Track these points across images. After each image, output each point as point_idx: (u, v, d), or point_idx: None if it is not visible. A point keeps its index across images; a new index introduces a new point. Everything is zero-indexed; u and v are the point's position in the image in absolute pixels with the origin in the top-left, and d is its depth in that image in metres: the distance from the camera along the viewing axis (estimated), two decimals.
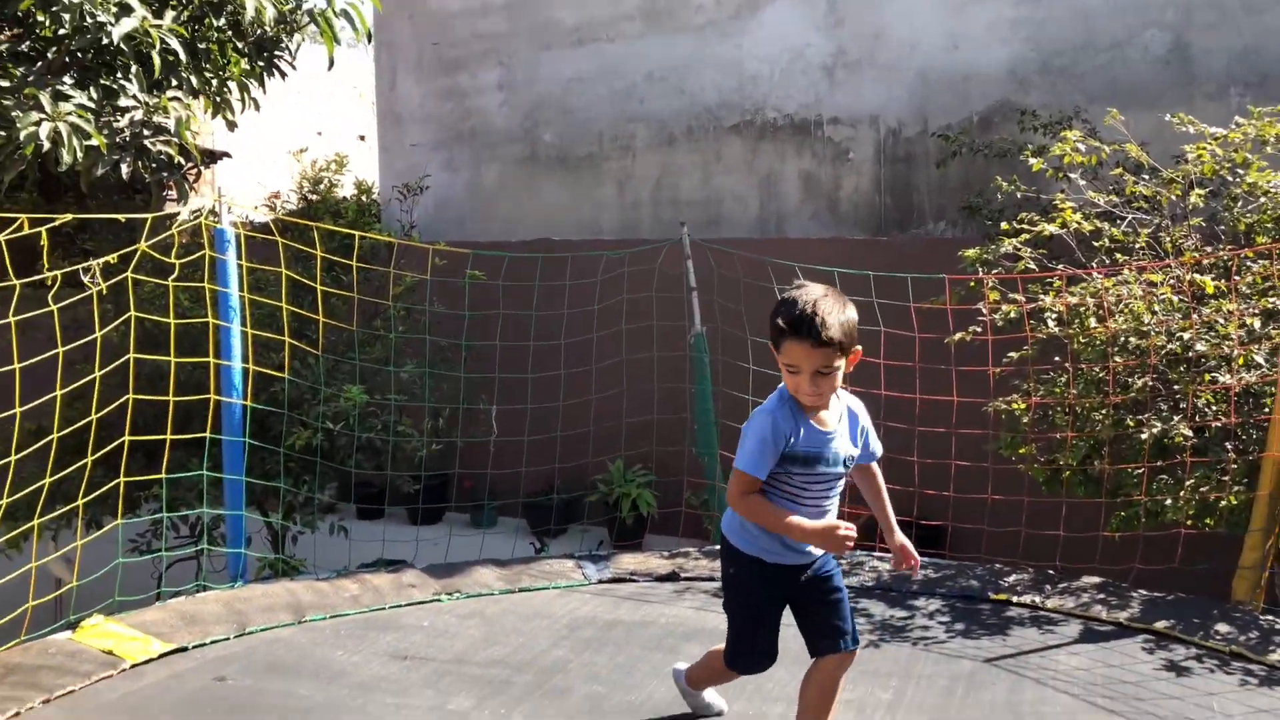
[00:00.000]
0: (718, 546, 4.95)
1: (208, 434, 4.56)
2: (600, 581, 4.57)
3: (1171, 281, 4.80)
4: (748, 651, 2.92)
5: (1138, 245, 5.21)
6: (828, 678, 2.88)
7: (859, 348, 2.68)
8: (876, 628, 4.09)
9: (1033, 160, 5.74)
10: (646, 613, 4.23)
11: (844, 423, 2.78)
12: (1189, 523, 4.56)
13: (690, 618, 4.18)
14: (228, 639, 3.90)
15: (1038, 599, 4.37)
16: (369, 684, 3.53)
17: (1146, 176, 5.42)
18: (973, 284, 5.18)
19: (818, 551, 2.84)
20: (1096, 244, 5.26)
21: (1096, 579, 4.59)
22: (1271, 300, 4.64)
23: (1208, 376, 4.62)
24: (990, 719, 3.28)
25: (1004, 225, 5.35)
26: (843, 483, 2.83)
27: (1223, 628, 4.01)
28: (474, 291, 6.11)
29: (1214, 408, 4.64)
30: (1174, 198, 5.28)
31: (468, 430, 6.53)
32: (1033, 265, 5.15)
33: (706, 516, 5.60)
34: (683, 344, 5.60)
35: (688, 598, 4.42)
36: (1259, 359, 4.50)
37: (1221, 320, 4.63)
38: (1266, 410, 4.43)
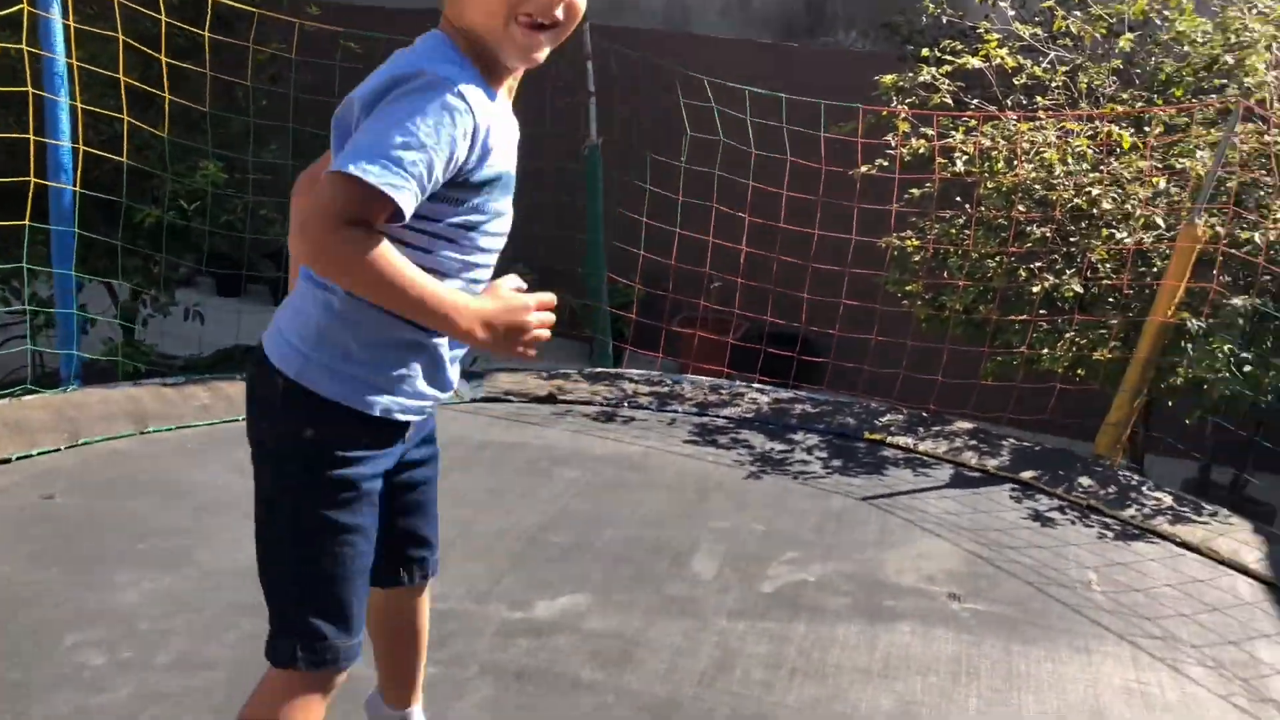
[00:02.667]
0: (598, 370, 4.86)
1: (27, 222, 3.98)
2: (474, 400, 4.38)
3: (1088, 132, 4.67)
4: (337, 627, 1.55)
5: (1054, 85, 5.04)
6: (418, 618, 1.92)
7: None
8: (755, 459, 4.06)
9: None
10: (521, 434, 4.07)
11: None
12: (1062, 372, 4.61)
13: (566, 441, 4.05)
14: (58, 450, 3.57)
15: (911, 441, 4.40)
16: (216, 505, 3.29)
17: (1078, 13, 5.20)
18: (885, 114, 4.95)
19: (454, 381, 1.60)
20: (1016, 81, 5.06)
21: (969, 425, 4.65)
22: (1179, 159, 4.57)
23: (1106, 233, 4.58)
24: (857, 553, 3.29)
25: (924, 52, 5.08)
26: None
27: (1084, 481, 4.12)
28: (349, 71, 5.53)
29: (1106, 265, 4.62)
30: (1098, 36, 5.09)
31: None
32: (949, 100, 4.94)
33: (596, 317, 5.36)
34: (576, 155, 5.23)
35: (566, 421, 4.28)
36: (1158, 220, 4.47)
37: (1129, 177, 4.55)
38: (1156, 272, 4.44)
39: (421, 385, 1.51)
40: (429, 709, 2.32)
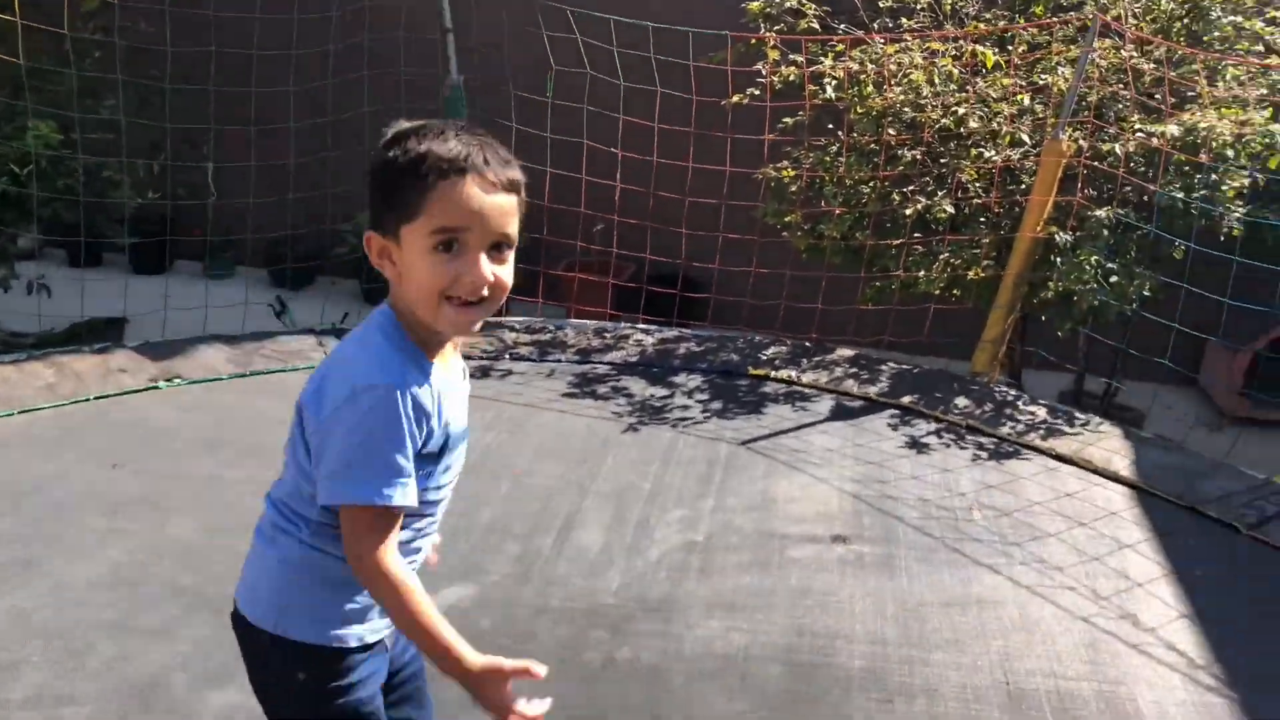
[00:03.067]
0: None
1: None
2: None
3: (953, 52, 4.65)
4: None
5: (919, 6, 4.99)
6: None
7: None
8: (636, 409, 4.00)
9: None
10: None
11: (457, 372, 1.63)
12: (938, 293, 4.65)
13: None
14: None
15: (794, 373, 4.40)
16: (70, 502, 3.05)
17: None
18: (754, 41, 4.84)
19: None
20: (882, 4, 5.00)
21: (850, 351, 4.68)
22: (1041, 75, 4.59)
23: (974, 152, 4.59)
24: (743, 500, 3.28)
25: None
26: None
27: (962, 401, 4.19)
28: (186, 23, 5.16)
29: (976, 184, 4.65)
30: None
31: (190, 179, 5.75)
32: (816, 25, 4.85)
33: None
34: (436, 96, 4.99)
35: None
36: (1024, 136, 4.50)
37: (995, 96, 4.56)
38: (1024, 188, 4.48)
39: (373, 619, 1.61)
40: None
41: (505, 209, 1.47)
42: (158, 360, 4.01)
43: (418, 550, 1.61)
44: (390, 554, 1.47)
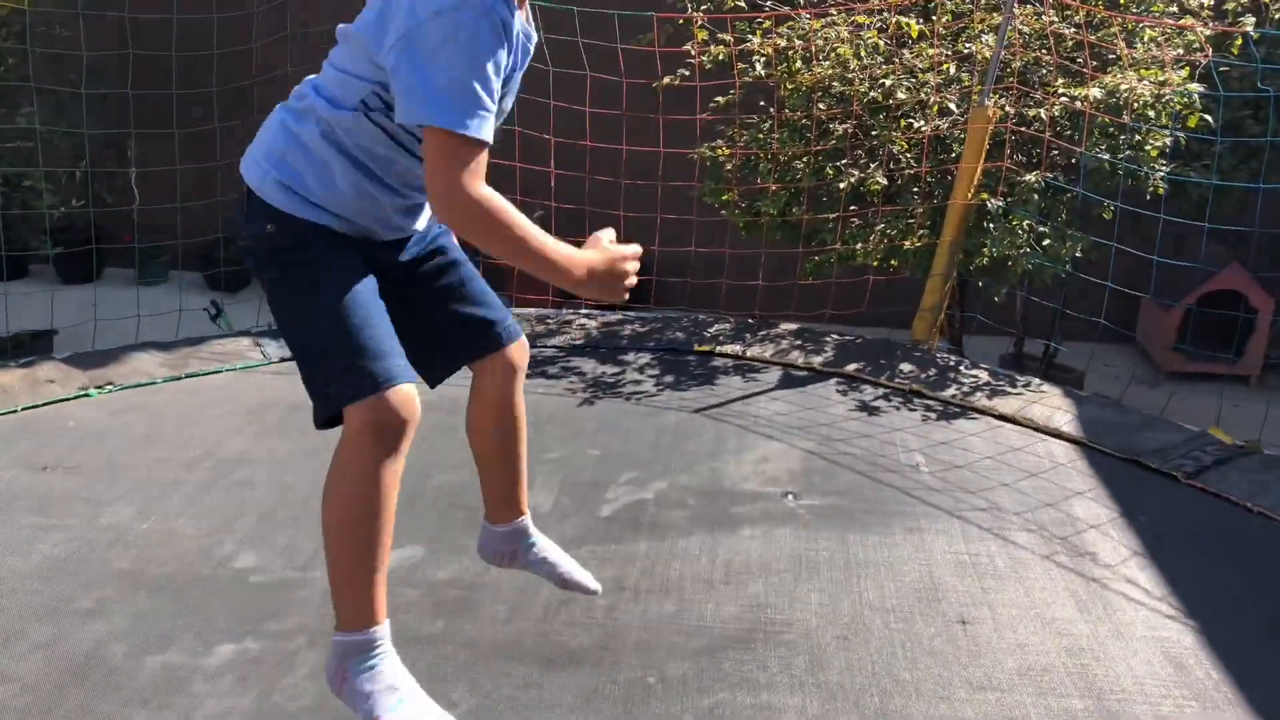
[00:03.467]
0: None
1: None
2: (283, 360, 4.12)
3: (877, 24, 4.71)
4: (354, 356, 1.61)
5: None
6: (504, 393, 1.96)
7: None
8: (588, 386, 3.98)
9: None
10: None
11: None
12: (876, 264, 4.70)
13: None
14: None
15: (739, 348, 4.42)
16: None
17: None
18: (681, 21, 4.86)
19: (418, 226, 1.78)
20: None
21: (793, 325, 4.70)
22: (965, 44, 4.66)
23: (904, 123, 4.65)
24: (694, 466, 3.28)
25: None
26: None
27: (905, 367, 4.23)
28: (102, 27, 5.04)
29: (908, 155, 4.71)
30: None
31: (116, 185, 5.61)
32: (742, 3, 4.88)
33: None
34: None
35: None
36: (951, 105, 4.56)
37: (920, 66, 4.62)
38: (955, 157, 4.54)
39: (364, 221, 1.69)
40: (251, 690, 2.17)
41: None
42: (88, 369, 3.89)
43: (415, 186, 1.69)
44: (480, 183, 1.45)
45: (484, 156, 1.46)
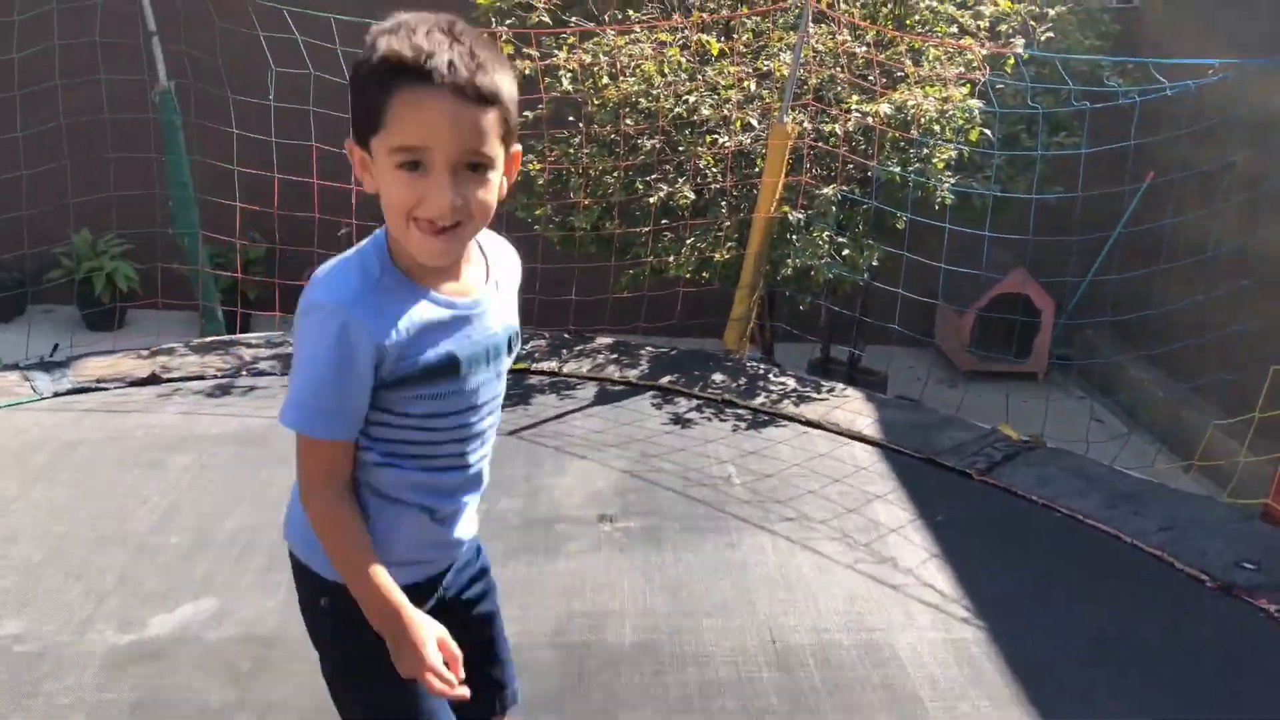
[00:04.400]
0: (209, 339, 4.38)
1: None
2: (58, 394, 3.79)
3: (680, 42, 4.76)
4: None
5: None
6: None
7: (518, 147, 1.44)
8: None
9: None
10: (120, 425, 3.58)
11: (494, 286, 1.49)
12: (688, 276, 4.75)
13: (177, 424, 3.61)
14: None
15: (555, 364, 4.37)
16: None
17: None
18: (484, 36, 4.77)
19: (465, 537, 1.57)
20: None
21: (609, 339, 4.69)
22: (765, 62, 4.78)
23: (709, 138, 4.72)
24: (510, 491, 3.20)
25: None
26: (502, 386, 1.53)
27: (718, 377, 4.29)
28: None
29: (714, 169, 4.78)
30: None
31: None
32: (547, 19, 4.84)
33: (194, 281, 4.80)
34: (145, 104, 4.60)
35: (175, 401, 3.82)
36: (753, 121, 4.66)
37: (722, 83, 4.70)
38: (758, 171, 4.64)
39: (412, 553, 1.50)
40: None
41: (476, 124, 1.28)
42: None
43: (447, 490, 1.48)
44: (319, 487, 1.39)
45: (335, 454, 1.40)
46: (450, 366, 1.42)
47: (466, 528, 1.55)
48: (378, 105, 1.29)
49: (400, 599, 1.38)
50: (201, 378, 4.02)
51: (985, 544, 3.11)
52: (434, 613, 1.48)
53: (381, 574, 1.38)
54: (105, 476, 3.20)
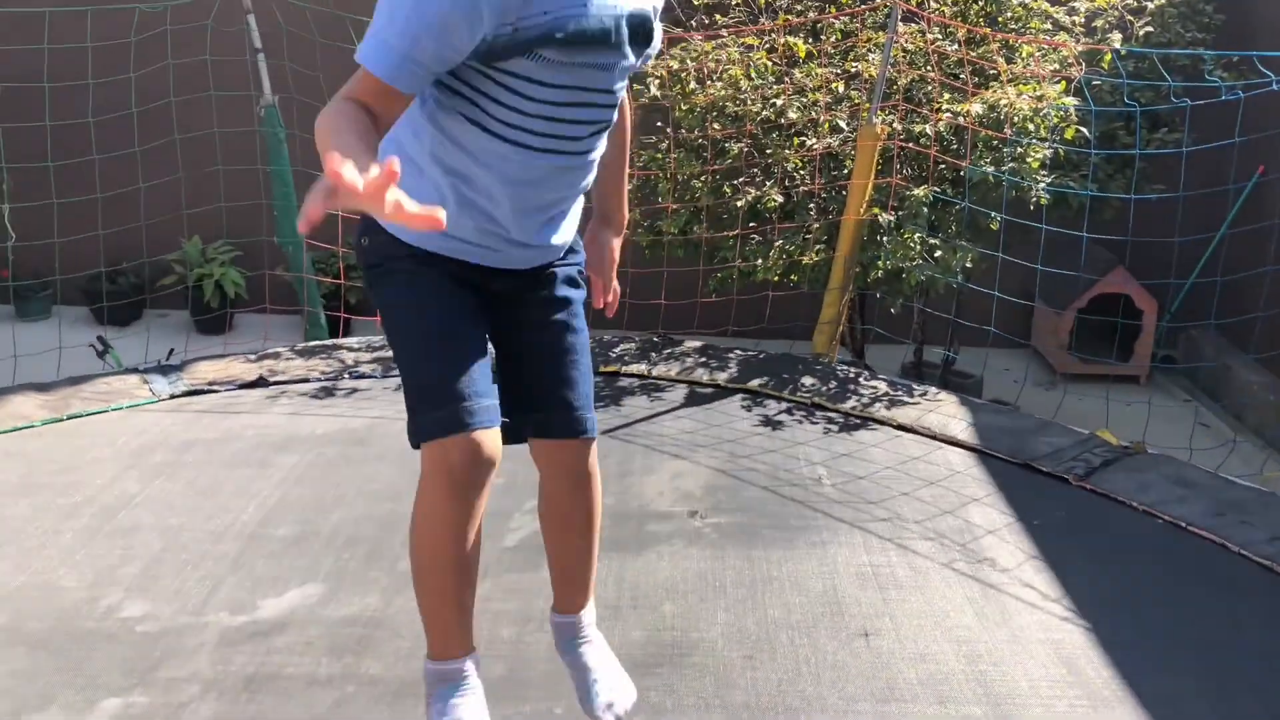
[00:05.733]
0: (312, 344, 4.55)
1: None
2: (174, 396, 3.98)
3: (767, 45, 4.78)
4: (438, 384, 1.56)
5: (734, 2, 5.12)
6: (551, 488, 1.86)
7: None
8: None
9: None
10: (230, 426, 3.74)
11: None
12: (776, 280, 4.76)
13: (284, 425, 3.76)
14: None
15: (645, 368, 4.42)
16: None
17: None
18: None
19: (554, 241, 1.63)
20: (697, 2, 5.11)
21: (697, 343, 4.72)
22: (853, 63, 4.76)
23: (797, 141, 4.73)
24: (604, 489, 3.25)
25: None
26: (620, 89, 1.56)
27: (807, 381, 4.28)
28: None
29: (802, 172, 4.78)
30: None
31: None
32: None
33: (299, 287, 4.98)
34: (251, 118, 4.81)
35: (281, 403, 3.98)
36: (841, 123, 4.65)
37: (810, 85, 4.70)
38: (847, 173, 4.63)
39: (463, 232, 1.55)
40: None
41: None
42: None
43: (531, 175, 1.50)
44: (346, 101, 1.41)
45: (384, 99, 1.41)
46: (587, 35, 1.40)
47: (534, 228, 1.59)
48: None
49: (335, 149, 1.25)
50: (306, 380, 4.18)
51: (1084, 549, 3.05)
52: (502, 299, 1.62)
53: (345, 143, 1.31)
54: (218, 474, 3.36)
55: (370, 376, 4.24)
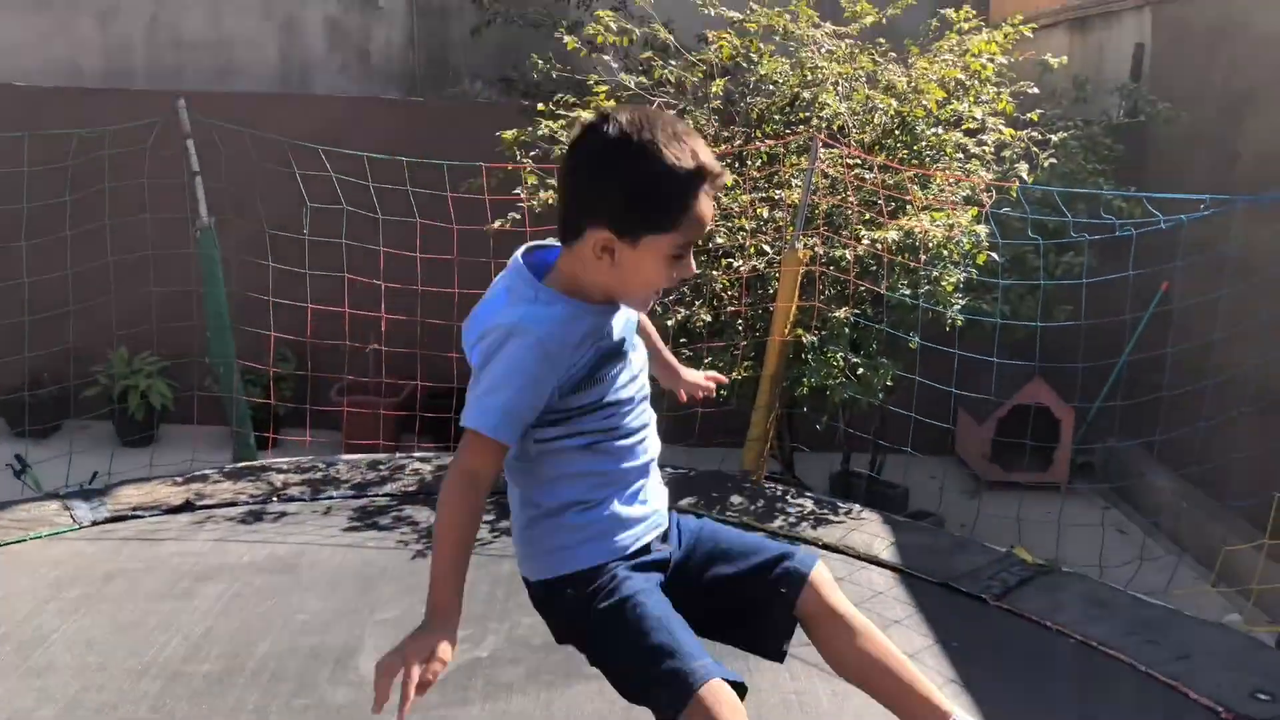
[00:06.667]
0: (240, 465, 4.52)
1: None
2: (95, 523, 3.93)
3: None
4: (684, 648, 1.72)
5: None
6: (833, 621, 1.90)
7: None
8: (420, 536, 3.94)
9: (567, 37, 5.63)
10: (155, 554, 3.70)
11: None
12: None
13: (209, 553, 3.72)
14: None
15: None
16: None
17: (674, 61, 5.54)
18: (509, 168, 5.02)
19: (659, 506, 1.89)
20: None
21: None
22: (776, 190, 4.98)
23: (724, 263, 4.90)
24: (530, 617, 3.27)
25: (541, 107, 5.22)
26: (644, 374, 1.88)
27: (735, 500, 4.37)
28: None
29: (730, 292, 4.95)
30: (696, 80, 5.45)
31: None
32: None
33: (229, 407, 4.97)
34: (185, 239, 4.86)
35: (208, 528, 3.95)
36: (766, 247, 4.84)
37: (737, 210, 4.90)
38: (772, 293, 4.80)
39: (619, 532, 1.77)
40: None
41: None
42: None
43: (639, 451, 1.78)
44: (469, 479, 1.62)
45: (495, 456, 1.64)
46: (618, 346, 1.70)
47: (656, 498, 1.85)
48: (675, 214, 1.56)
49: (455, 604, 1.61)
50: (234, 504, 4.15)
51: (1001, 671, 3.13)
52: (671, 582, 1.80)
53: (458, 573, 1.62)
54: (140, 607, 3.31)
55: (299, 499, 4.23)
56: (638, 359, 1.81)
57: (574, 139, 1.65)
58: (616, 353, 1.72)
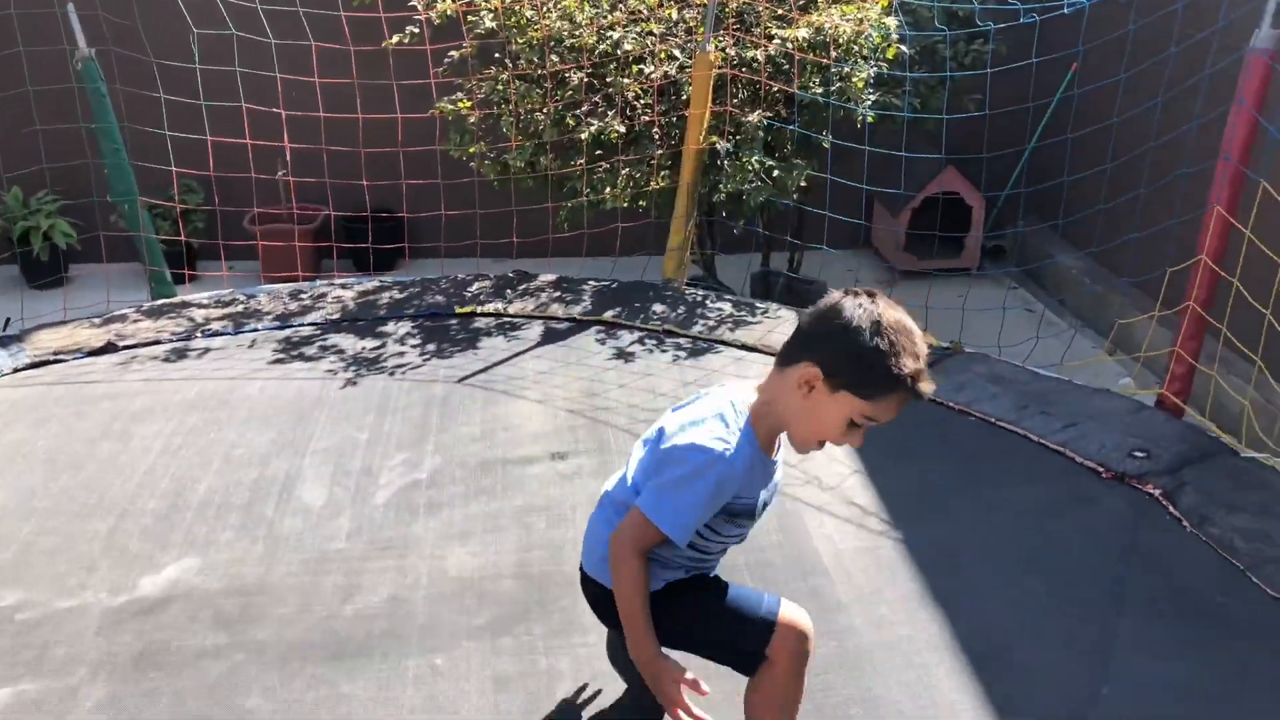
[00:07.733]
0: (160, 302, 4.45)
1: None
2: (17, 370, 3.90)
3: None
4: (750, 597, 2.00)
5: None
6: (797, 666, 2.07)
7: None
8: (348, 364, 4.00)
9: None
10: (85, 397, 3.71)
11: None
12: (625, 207, 4.91)
13: (139, 393, 3.75)
14: None
15: (501, 305, 4.53)
16: None
17: None
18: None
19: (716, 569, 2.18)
20: None
21: (551, 277, 4.85)
22: None
23: (635, 68, 4.82)
24: (465, 437, 3.40)
25: None
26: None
27: (658, 308, 4.48)
28: None
29: (643, 101, 4.89)
30: None
31: None
32: None
33: (140, 246, 4.87)
34: (68, 73, 4.59)
35: (134, 370, 3.95)
36: (676, 52, 4.76)
37: (644, 14, 4.78)
38: (686, 99, 4.76)
39: (699, 556, 2.05)
40: None
41: None
42: None
43: (707, 568, 2.07)
44: (638, 554, 1.90)
45: (656, 540, 1.90)
46: (749, 511, 1.96)
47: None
48: (875, 391, 1.78)
49: (658, 648, 1.91)
50: (157, 342, 4.14)
51: (906, 452, 3.37)
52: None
53: (650, 627, 1.90)
54: (79, 450, 3.35)
55: (223, 334, 4.24)
56: (760, 520, 2.05)
57: (842, 301, 1.81)
58: (749, 514, 1.98)
